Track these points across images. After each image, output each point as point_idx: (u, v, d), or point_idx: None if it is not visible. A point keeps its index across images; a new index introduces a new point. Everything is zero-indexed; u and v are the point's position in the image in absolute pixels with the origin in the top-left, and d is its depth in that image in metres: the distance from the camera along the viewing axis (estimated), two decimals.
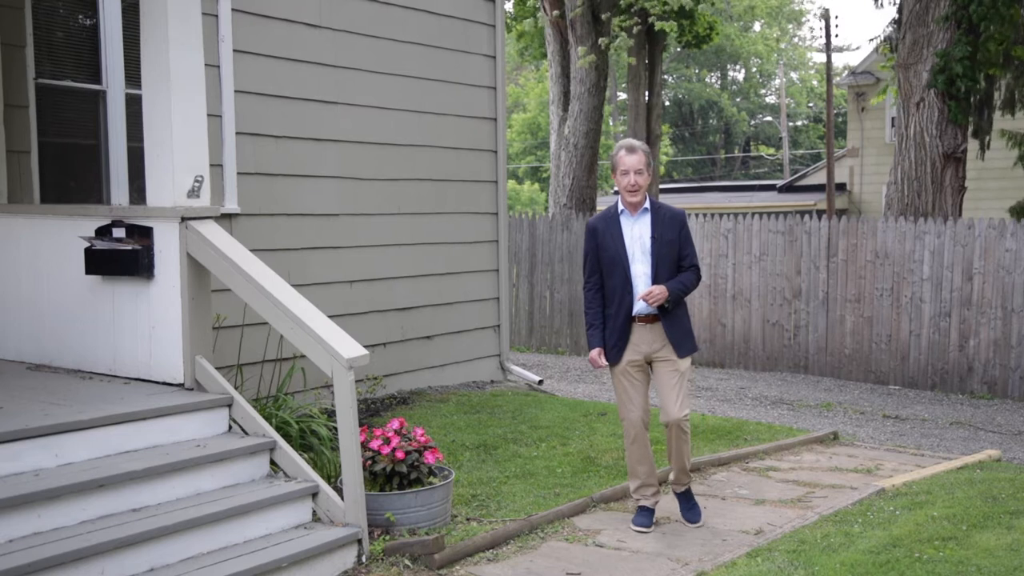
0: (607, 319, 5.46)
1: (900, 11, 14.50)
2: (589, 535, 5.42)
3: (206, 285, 5.54)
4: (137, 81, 6.03)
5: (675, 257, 5.40)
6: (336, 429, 5.16)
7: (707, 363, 13.64)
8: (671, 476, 5.69)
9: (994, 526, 5.43)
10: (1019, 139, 16.02)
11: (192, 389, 5.42)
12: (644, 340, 5.41)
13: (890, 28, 15.32)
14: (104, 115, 6.74)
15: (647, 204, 5.45)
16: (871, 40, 22.53)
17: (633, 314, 5.39)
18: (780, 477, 6.77)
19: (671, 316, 5.40)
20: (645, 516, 5.54)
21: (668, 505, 5.86)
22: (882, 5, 15.52)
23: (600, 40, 18.14)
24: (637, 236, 5.40)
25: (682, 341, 5.42)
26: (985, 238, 11.80)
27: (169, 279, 5.44)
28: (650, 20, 18.65)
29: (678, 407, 5.39)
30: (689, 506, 5.64)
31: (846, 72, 29.30)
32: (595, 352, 5.50)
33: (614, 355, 5.46)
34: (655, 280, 5.34)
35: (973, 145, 14.53)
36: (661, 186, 26.33)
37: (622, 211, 5.45)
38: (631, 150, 5.38)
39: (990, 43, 12.66)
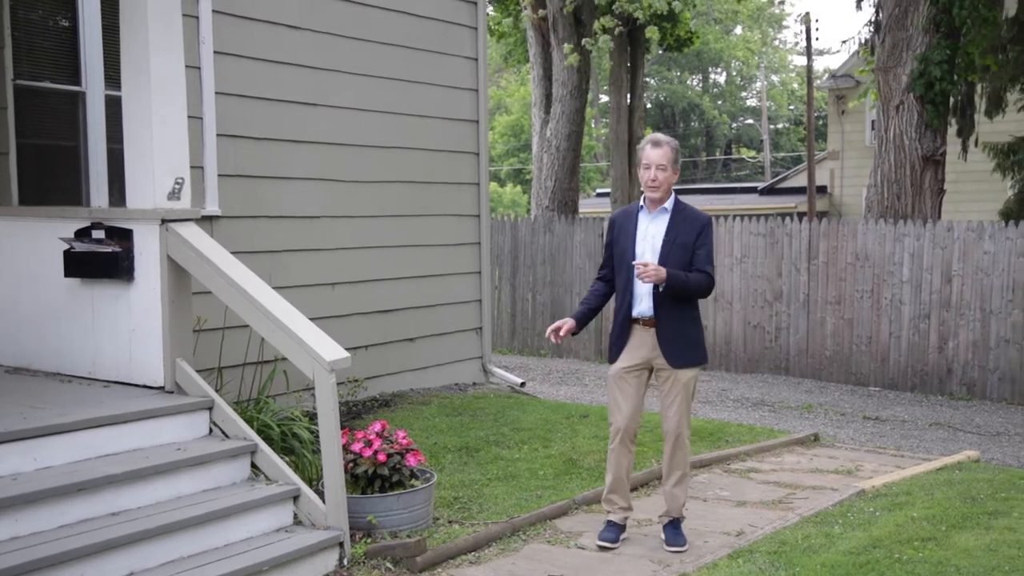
0: (614, 316, 5.31)
1: (878, 13, 14.57)
2: (571, 537, 5.42)
3: (186, 287, 5.52)
4: (117, 82, 5.99)
5: (687, 262, 5.12)
6: (318, 432, 5.15)
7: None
8: (664, 500, 5.39)
9: (973, 526, 5.47)
10: (997, 148, 16.13)
11: (172, 392, 5.39)
12: (645, 344, 5.18)
13: (867, 29, 15.38)
14: (84, 117, 6.70)
15: (668, 204, 5.21)
16: (843, 42, 22.67)
17: (634, 315, 5.19)
18: (761, 479, 6.80)
19: (671, 322, 5.13)
20: (612, 531, 5.32)
21: (651, 506, 5.87)
22: (861, 8, 15.60)
23: (584, 41, 18.17)
24: (650, 236, 5.19)
25: (680, 352, 5.16)
26: (964, 240, 11.88)
27: (149, 282, 5.42)
28: (637, 22, 18.69)
29: (675, 420, 5.23)
30: (675, 533, 5.31)
31: (826, 75, 29.44)
32: (561, 321, 5.27)
33: (612, 354, 5.28)
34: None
35: (953, 148, 14.62)
36: None
37: (642, 207, 5.27)
38: (656, 144, 5.16)
39: (970, 47, 12.74)
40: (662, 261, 5.11)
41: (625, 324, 5.23)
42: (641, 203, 5.30)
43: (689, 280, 5.10)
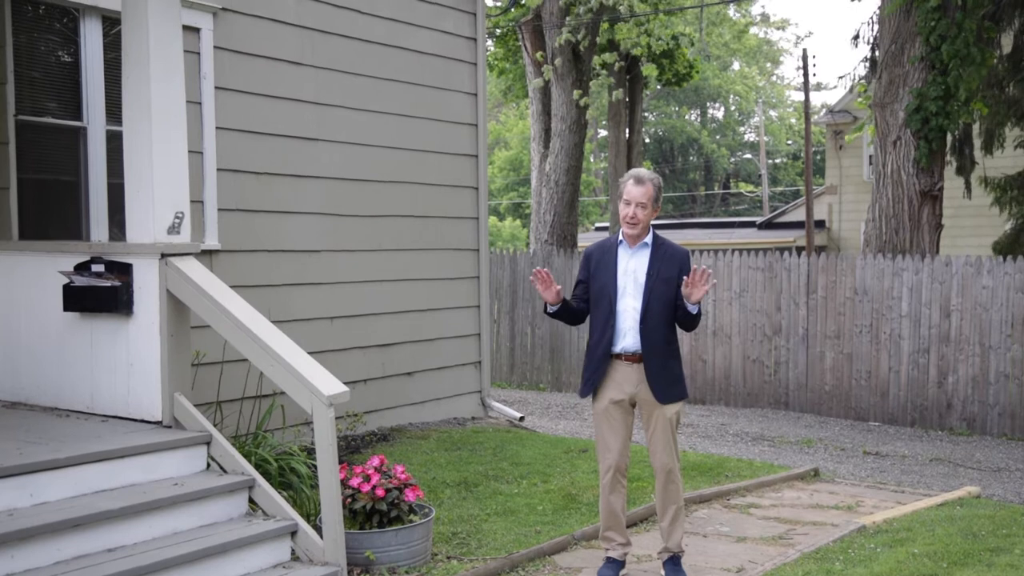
0: (588, 350, 5.23)
1: (873, 50, 14.70)
2: (570, 573, 5.38)
3: (185, 321, 5.52)
4: (118, 117, 6.03)
5: (671, 296, 5.07)
6: (316, 467, 5.13)
7: (688, 399, 13.63)
8: (662, 536, 5.31)
9: (974, 563, 5.44)
10: (995, 182, 16.18)
11: (170, 427, 5.37)
12: (629, 380, 5.12)
13: (862, 65, 15.49)
14: (84, 151, 6.73)
15: (648, 239, 5.16)
16: (840, 78, 22.88)
17: (617, 351, 5.11)
18: (761, 514, 6.76)
19: (658, 358, 5.08)
20: (611, 568, 5.25)
21: (650, 542, 5.84)
22: (857, 45, 15.71)
23: (592, 83, 18.30)
24: (632, 270, 5.12)
25: (666, 388, 5.10)
26: (962, 275, 11.90)
27: (148, 316, 5.42)
28: (638, 60, 18.85)
29: (665, 454, 5.15)
30: (675, 569, 5.23)
31: (824, 110, 29.60)
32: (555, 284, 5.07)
33: (587, 388, 5.20)
34: (644, 317, 5.04)
35: (951, 183, 14.66)
36: None
37: (621, 241, 5.18)
38: (639, 181, 5.08)
39: (961, 83, 12.79)
40: (647, 295, 5.08)
41: (605, 359, 5.15)
42: (619, 237, 5.24)
43: (699, 313, 5.11)
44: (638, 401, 5.18)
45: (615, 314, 5.12)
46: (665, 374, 5.12)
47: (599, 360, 5.16)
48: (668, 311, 5.11)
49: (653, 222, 5.27)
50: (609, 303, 5.13)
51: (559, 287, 5.13)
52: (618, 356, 5.14)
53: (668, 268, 5.13)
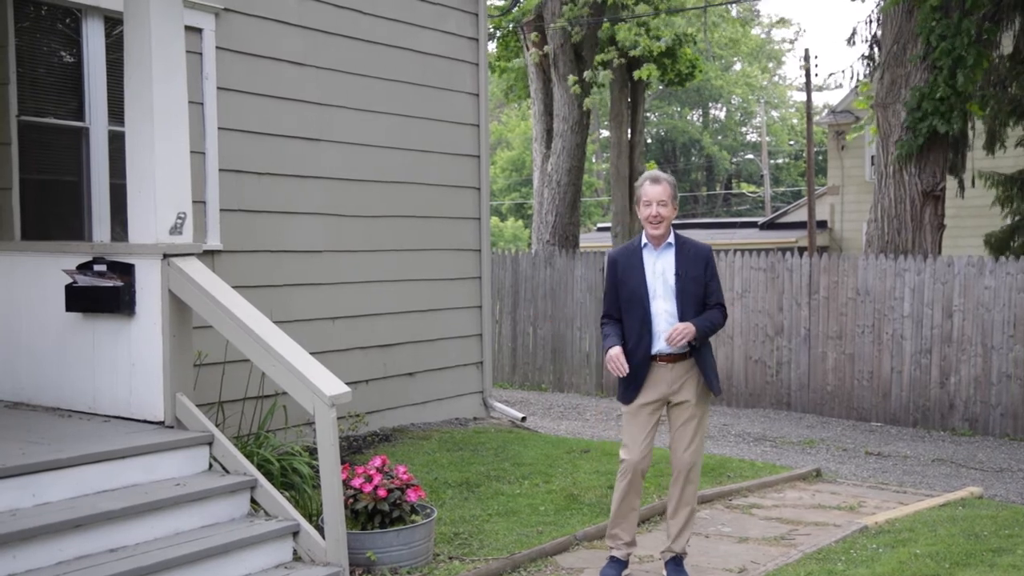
0: (624, 355, 5.14)
1: (871, 48, 14.69)
2: (572, 574, 5.38)
3: (188, 322, 5.52)
4: (120, 118, 6.03)
5: (701, 295, 5.15)
6: (318, 467, 5.13)
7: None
8: (667, 536, 5.33)
9: (977, 563, 5.43)
10: (995, 179, 16.17)
11: (172, 427, 5.38)
12: (664, 380, 5.14)
13: (860, 63, 15.45)
14: (87, 152, 6.74)
15: (671, 238, 5.21)
16: (830, 74, 22.82)
17: (653, 352, 5.12)
18: (763, 515, 6.76)
19: (700, 354, 5.15)
20: (614, 568, 5.25)
21: (651, 542, 5.83)
22: (854, 43, 15.68)
23: (585, 74, 18.31)
24: (660, 272, 5.16)
25: (714, 379, 5.19)
26: (965, 275, 11.88)
27: (150, 316, 5.42)
28: (633, 55, 18.85)
29: (690, 453, 5.17)
30: (678, 570, 5.25)
31: (826, 111, 29.59)
32: (615, 351, 5.08)
33: (628, 396, 5.18)
34: (682, 317, 5.08)
35: (953, 184, 14.65)
36: None
37: (645, 244, 5.21)
38: (655, 181, 5.16)
39: (954, 83, 12.73)
40: (678, 295, 5.12)
41: (643, 365, 5.15)
42: (643, 240, 5.25)
43: (712, 322, 5.15)
44: (672, 401, 5.20)
45: (650, 318, 5.14)
46: (710, 369, 5.19)
47: (639, 364, 5.15)
48: (700, 308, 5.17)
49: None
50: (642, 307, 5.15)
51: (618, 352, 5.10)
52: (654, 358, 5.16)
53: (695, 267, 5.19)
